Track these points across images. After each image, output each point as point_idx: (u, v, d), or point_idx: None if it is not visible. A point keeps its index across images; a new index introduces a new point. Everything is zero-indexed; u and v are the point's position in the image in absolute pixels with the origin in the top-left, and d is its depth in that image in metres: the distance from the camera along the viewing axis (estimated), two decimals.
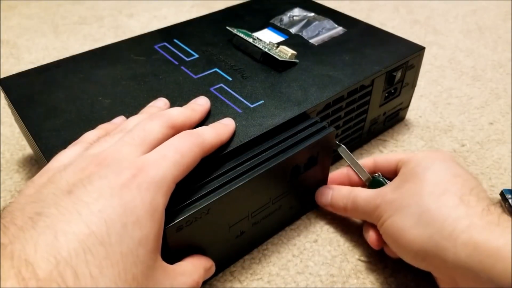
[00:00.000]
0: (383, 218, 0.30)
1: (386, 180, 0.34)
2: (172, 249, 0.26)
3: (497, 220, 0.26)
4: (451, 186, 0.28)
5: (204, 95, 0.34)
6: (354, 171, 0.36)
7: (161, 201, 0.23)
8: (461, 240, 0.25)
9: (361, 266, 0.33)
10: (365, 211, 0.32)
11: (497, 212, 0.26)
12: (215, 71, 0.38)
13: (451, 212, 0.27)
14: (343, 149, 0.36)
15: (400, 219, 0.29)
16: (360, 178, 0.35)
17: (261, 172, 0.28)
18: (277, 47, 0.40)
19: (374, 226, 0.32)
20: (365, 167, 0.35)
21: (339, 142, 0.37)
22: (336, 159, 0.42)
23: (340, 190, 0.35)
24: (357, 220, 0.36)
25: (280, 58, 0.38)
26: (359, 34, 0.44)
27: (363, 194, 0.33)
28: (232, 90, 0.36)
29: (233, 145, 0.30)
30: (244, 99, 0.35)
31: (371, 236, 0.32)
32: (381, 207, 0.30)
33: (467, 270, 0.25)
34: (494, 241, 0.24)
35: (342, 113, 0.38)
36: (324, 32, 0.44)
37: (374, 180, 0.35)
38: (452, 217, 0.26)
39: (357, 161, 0.36)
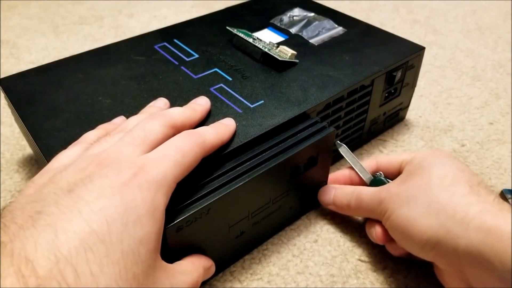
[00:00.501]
0: (389, 212, 0.30)
1: (388, 179, 0.34)
2: (172, 249, 0.26)
3: (508, 207, 0.26)
4: (459, 178, 0.28)
5: (204, 95, 0.34)
6: (355, 171, 0.36)
7: (161, 200, 0.23)
8: (474, 225, 0.25)
9: (361, 266, 0.33)
10: (369, 207, 0.32)
11: (506, 202, 0.27)
12: (215, 71, 0.38)
13: (462, 199, 0.27)
14: (344, 149, 0.36)
15: (407, 210, 0.29)
16: (361, 178, 0.35)
17: (261, 172, 0.28)
18: (277, 47, 0.40)
19: (378, 222, 0.32)
20: (367, 168, 0.35)
21: (339, 142, 0.37)
22: (336, 159, 0.42)
23: (343, 188, 0.35)
24: (357, 220, 0.36)
25: (280, 58, 0.38)
26: (359, 34, 0.44)
27: (367, 190, 0.33)
28: (232, 90, 0.36)
29: (233, 145, 0.30)
30: (244, 99, 0.35)
31: (377, 231, 0.32)
32: (386, 201, 0.30)
33: (478, 256, 0.25)
34: (507, 226, 0.24)
35: (342, 113, 0.38)
36: (324, 32, 0.44)
37: (376, 180, 0.34)
38: (463, 204, 0.27)
39: (359, 161, 0.36)
